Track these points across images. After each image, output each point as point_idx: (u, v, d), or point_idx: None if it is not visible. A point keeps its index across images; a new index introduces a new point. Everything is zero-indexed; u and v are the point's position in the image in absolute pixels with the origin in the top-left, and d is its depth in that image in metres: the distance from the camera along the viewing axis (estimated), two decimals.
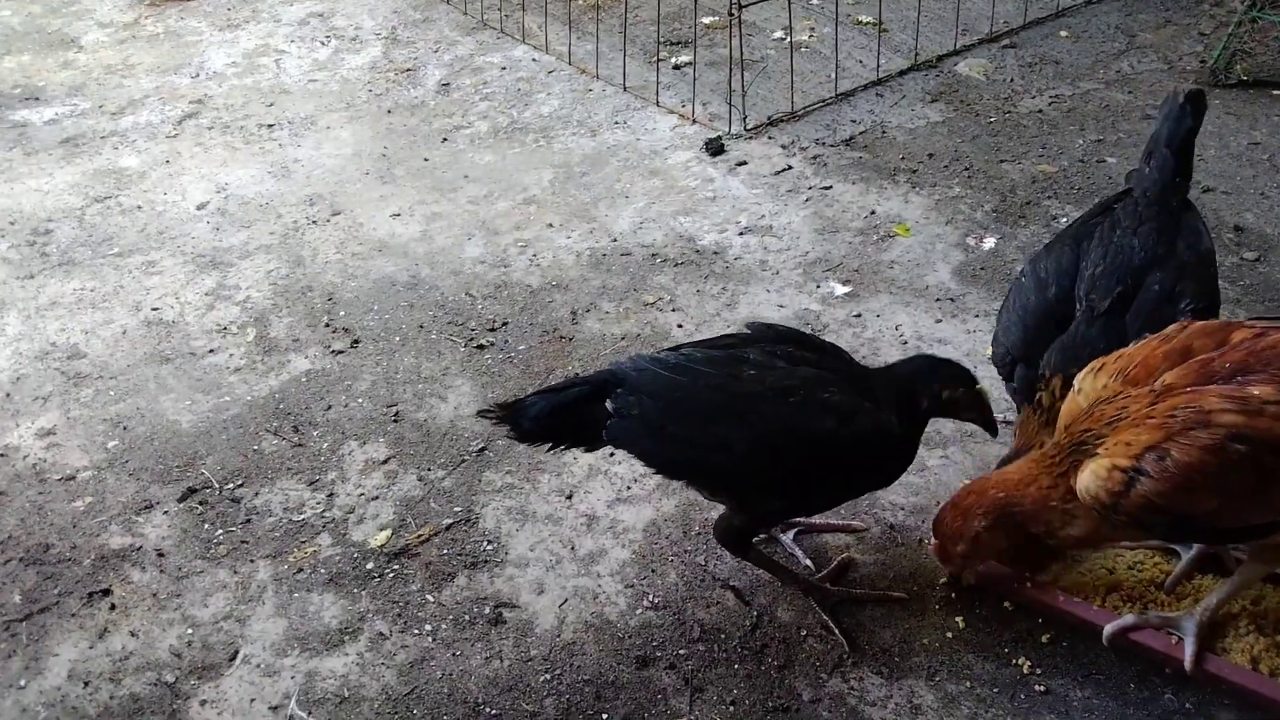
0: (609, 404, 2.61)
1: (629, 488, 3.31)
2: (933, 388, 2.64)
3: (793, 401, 2.49)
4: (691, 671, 2.73)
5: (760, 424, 2.49)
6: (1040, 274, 2.99)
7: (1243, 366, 2.14)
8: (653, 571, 3.02)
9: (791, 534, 3.07)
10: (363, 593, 3.01)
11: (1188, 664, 2.47)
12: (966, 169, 4.85)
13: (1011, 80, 5.57)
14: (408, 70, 6.16)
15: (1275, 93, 5.18)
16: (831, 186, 4.84)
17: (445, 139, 5.46)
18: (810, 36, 6.12)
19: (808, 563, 2.99)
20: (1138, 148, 3.94)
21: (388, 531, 3.21)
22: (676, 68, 6.00)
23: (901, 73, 5.72)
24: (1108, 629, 2.57)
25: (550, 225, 4.75)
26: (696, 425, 2.56)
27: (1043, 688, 2.61)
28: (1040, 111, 5.26)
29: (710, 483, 2.72)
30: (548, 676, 2.76)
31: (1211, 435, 2.08)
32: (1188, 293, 2.83)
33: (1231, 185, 4.54)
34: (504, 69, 6.10)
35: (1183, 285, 2.85)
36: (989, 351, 3.74)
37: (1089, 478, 2.24)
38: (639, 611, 2.90)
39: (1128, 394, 2.28)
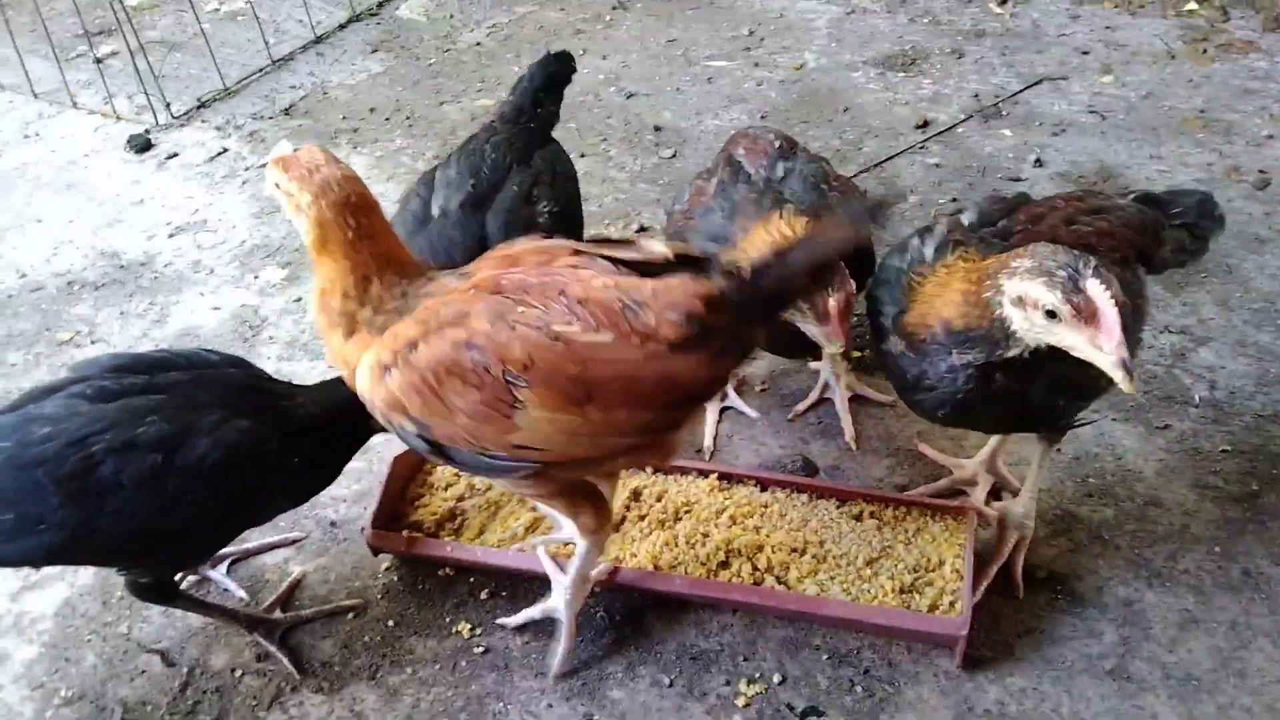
0: None
1: (38, 570, 2.87)
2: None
3: (95, 449, 2.18)
4: None
5: (70, 485, 2.16)
6: (411, 188, 3.00)
7: (522, 285, 2.09)
8: (66, 661, 2.64)
9: (224, 567, 2.80)
10: None
11: (558, 659, 2.48)
12: (408, 118, 4.69)
13: (452, 16, 5.46)
14: None
15: None
16: (270, 163, 4.48)
17: None
18: (246, 3, 5.63)
19: (241, 595, 2.74)
20: None
21: None
22: (99, 61, 5.30)
23: (341, 26, 5.43)
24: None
25: None
26: None
27: (482, 647, 2.56)
28: (479, 44, 5.19)
29: (60, 561, 2.36)
30: None
31: (455, 339, 2.00)
32: (545, 196, 2.89)
33: (652, 86, 4.73)
34: None
35: (540, 190, 2.90)
36: None
37: (362, 371, 2.11)
38: (49, 714, 2.52)
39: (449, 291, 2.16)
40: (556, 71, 3.23)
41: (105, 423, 2.20)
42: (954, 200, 3.87)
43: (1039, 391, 2.22)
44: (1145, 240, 2.49)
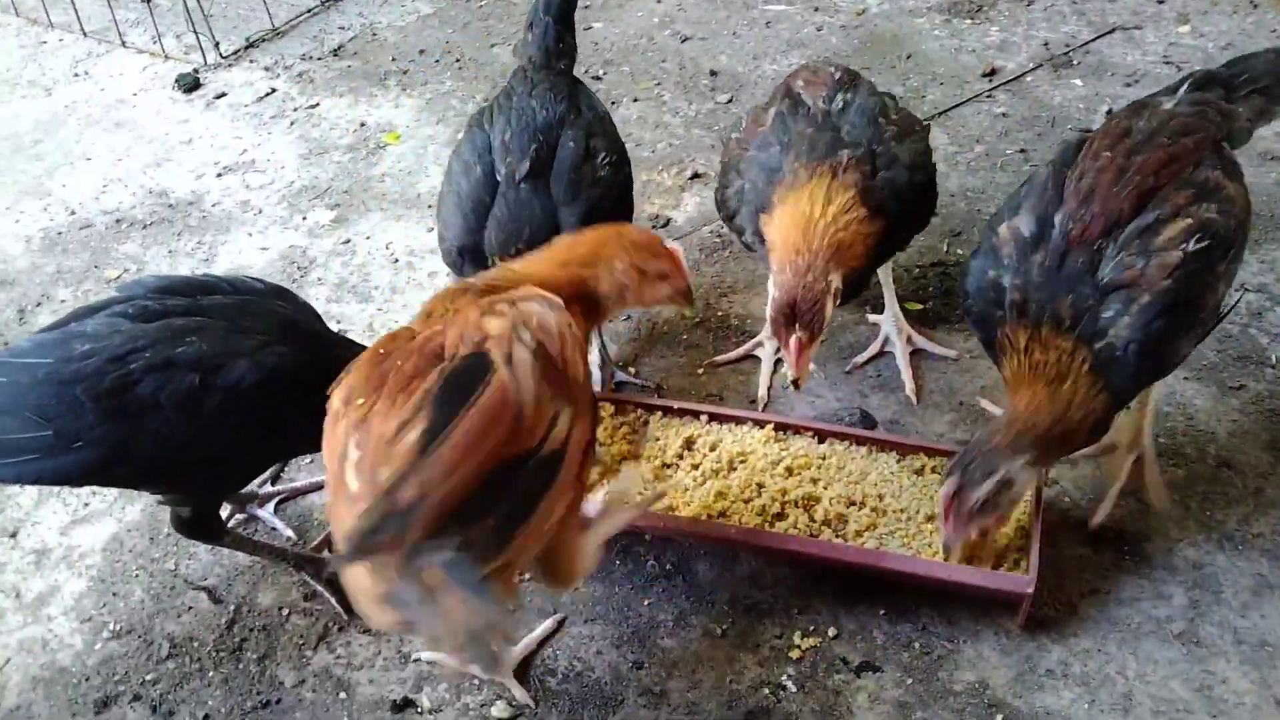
0: None
1: (86, 504, 2.87)
2: None
3: (134, 367, 2.14)
4: (160, 696, 2.41)
5: (107, 402, 2.13)
6: (465, 159, 2.83)
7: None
8: (114, 595, 2.64)
9: (271, 506, 2.79)
10: None
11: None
12: (457, 60, 4.60)
13: None
14: None
15: None
16: (319, 104, 4.43)
17: None
18: None
19: (289, 534, 2.73)
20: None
21: None
22: (148, 0, 5.25)
23: None
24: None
25: None
26: (33, 428, 2.15)
27: (532, 591, 2.53)
28: None
29: (95, 481, 2.33)
30: None
31: None
32: (601, 148, 2.82)
33: (708, 30, 4.59)
34: None
35: (594, 142, 2.82)
36: None
37: None
38: (98, 646, 2.53)
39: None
40: None
41: (145, 341, 2.18)
42: (1022, 151, 3.73)
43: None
44: (1212, 131, 2.38)
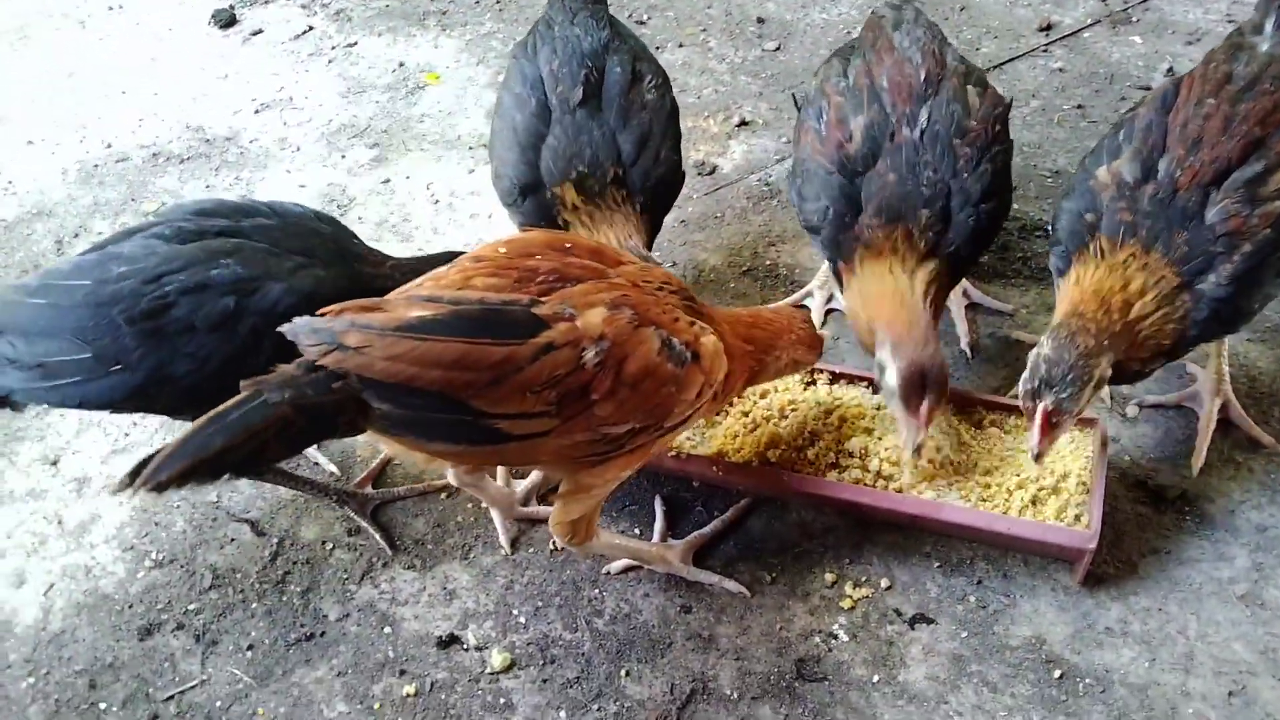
0: None
1: (127, 434, 2.84)
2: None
3: (169, 289, 2.09)
4: (204, 626, 2.40)
5: (143, 324, 2.09)
6: (516, 91, 2.76)
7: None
8: (156, 525, 2.62)
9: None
10: None
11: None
12: (498, 1, 4.51)
13: None
14: None
15: None
16: (357, 43, 4.35)
17: None
18: None
19: (333, 469, 2.69)
20: None
21: None
22: None
23: None
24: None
25: (30, 143, 3.99)
26: (74, 351, 2.11)
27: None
28: None
29: (136, 406, 2.29)
30: (31, 680, 2.33)
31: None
32: (647, 72, 2.78)
33: None
34: None
35: (640, 66, 2.77)
36: None
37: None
38: (140, 575, 2.51)
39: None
40: None
41: (181, 263, 2.13)
42: (1079, 107, 3.63)
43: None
44: None
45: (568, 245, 2.06)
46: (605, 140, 2.63)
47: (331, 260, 2.29)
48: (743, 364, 2.20)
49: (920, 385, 2.25)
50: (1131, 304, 2.18)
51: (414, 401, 1.76)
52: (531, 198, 2.69)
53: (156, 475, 1.67)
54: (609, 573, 2.41)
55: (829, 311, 2.98)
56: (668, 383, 1.95)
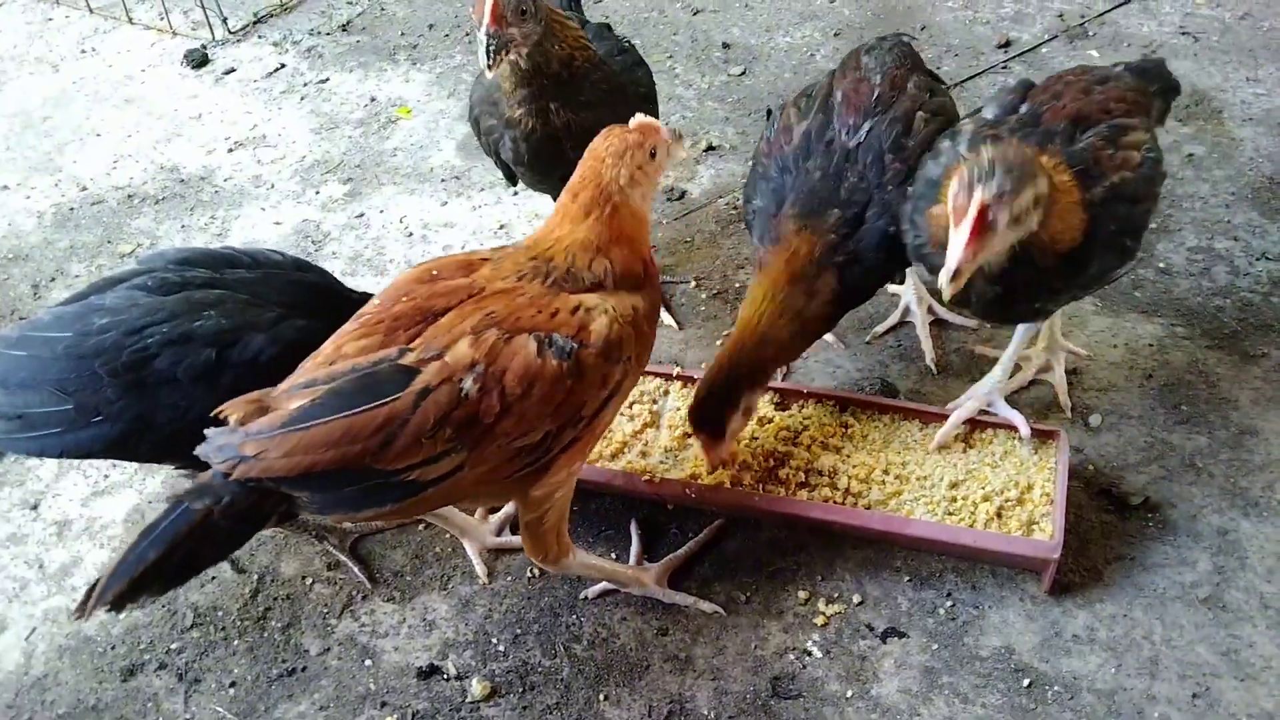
0: None
1: (107, 476, 2.87)
2: None
3: (151, 342, 2.13)
4: (186, 665, 2.42)
5: (125, 376, 2.12)
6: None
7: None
8: None
9: None
10: None
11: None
12: (467, 34, 4.57)
13: None
14: None
15: None
16: (328, 79, 4.41)
17: None
18: None
19: None
20: None
21: None
22: None
23: None
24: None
25: (5, 187, 4.02)
26: (55, 402, 2.14)
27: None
28: None
29: (117, 455, 2.32)
30: None
31: None
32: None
33: (720, 2, 4.56)
34: None
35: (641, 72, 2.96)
36: (496, 225, 3.57)
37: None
38: (122, 616, 2.53)
39: None
40: None
41: (163, 315, 2.17)
42: None
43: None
44: (1147, 101, 2.53)
45: (434, 272, 2.09)
46: None
47: (315, 309, 2.32)
48: (636, 238, 2.15)
49: (699, 420, 2.43)
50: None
51: (324, 483, 1.83)
52: None
53: (104, 597, 1.79)
54: (586, 598, 2.44)
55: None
56: (560, 380, 1.94)
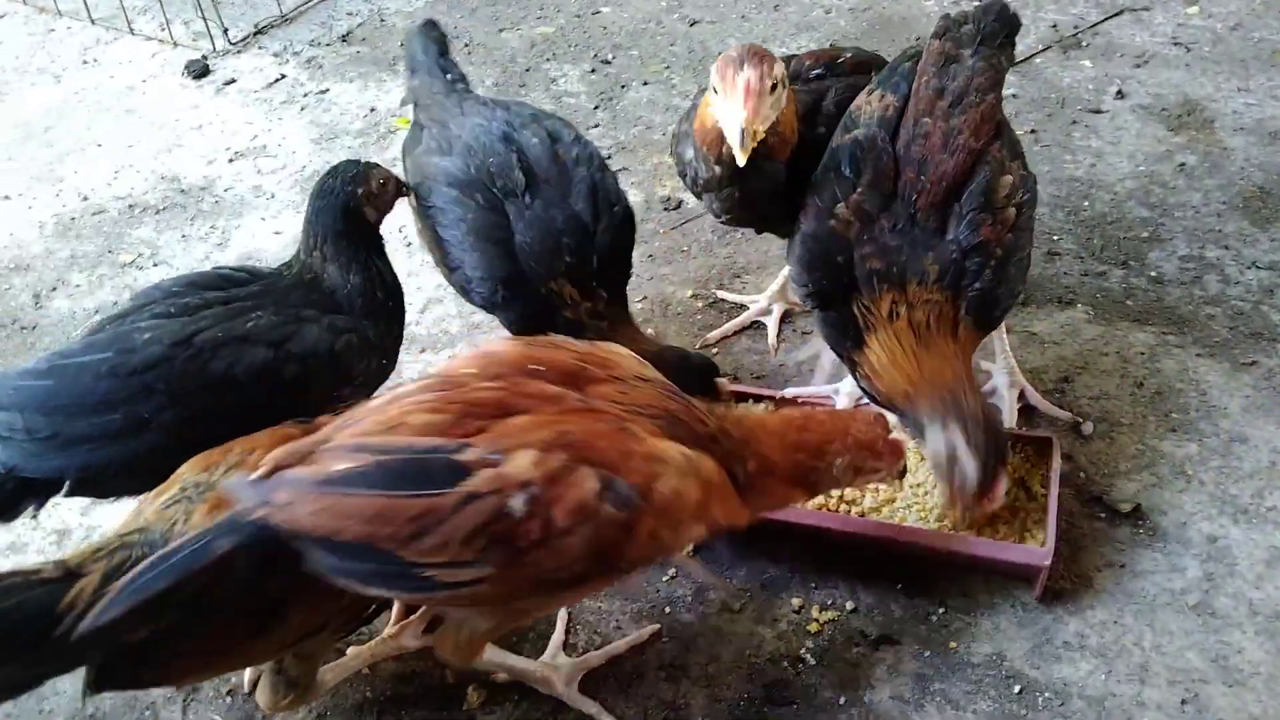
0: None
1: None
2: None
3: (204, 346, 2.15)
4: None
5: (179, 383, 2.13)
6: (452, 196, 2.67)
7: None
8: None
9: None
10: None
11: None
12: (466, 44, 4.61)
13: None
14: None
15: None
16: (329, 90, 4.44)
17: None
18: None
19: None
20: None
21: None
22: None
23: None
24: None
25: (6, 197, 4.06)
26: (99, 417, 2.16)
27: None
28: None
29: (167, 462, 2.32)
30: None
31: None
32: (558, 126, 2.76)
33: (716, 14, 4.60)
34: None
35: (547, 125, 2.73)
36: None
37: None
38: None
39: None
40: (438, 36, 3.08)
41: (208, 322, 2.20)
42: (1032, 132, 3.74)
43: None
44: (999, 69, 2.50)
45: (538, 366, 1.96)
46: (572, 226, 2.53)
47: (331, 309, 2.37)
48: (790, 471, 2.10)
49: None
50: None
51: (343, 552, 1.74)
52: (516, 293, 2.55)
53: (98, 619, 1.72)
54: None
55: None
56: (609, 527, 1.80)
